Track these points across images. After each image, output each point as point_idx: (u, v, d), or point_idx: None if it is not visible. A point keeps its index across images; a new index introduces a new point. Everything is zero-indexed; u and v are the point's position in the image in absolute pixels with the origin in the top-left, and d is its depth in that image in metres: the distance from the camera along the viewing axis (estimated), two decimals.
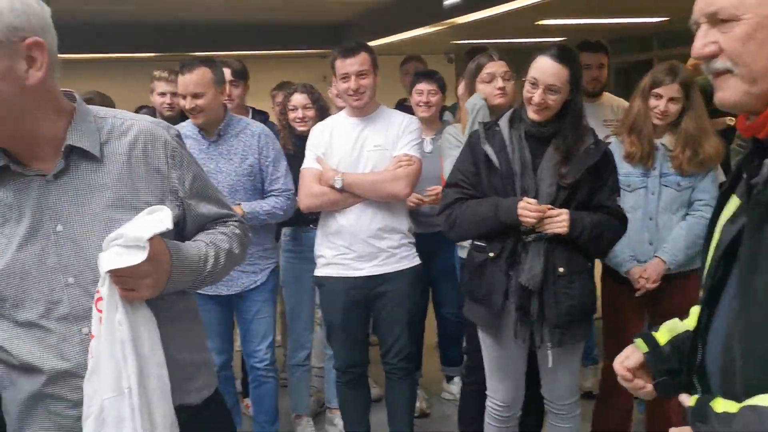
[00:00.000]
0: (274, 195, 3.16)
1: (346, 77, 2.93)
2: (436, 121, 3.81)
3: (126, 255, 1.33)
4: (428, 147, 3.56)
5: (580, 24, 7.79)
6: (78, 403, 1.38)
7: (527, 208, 2.38)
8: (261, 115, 4.08)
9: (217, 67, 3.10)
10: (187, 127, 3.12)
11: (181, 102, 3.12)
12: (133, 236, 1.33)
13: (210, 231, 1.60)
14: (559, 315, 2.44)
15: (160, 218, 1.39)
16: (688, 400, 1.18)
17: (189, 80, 3.03)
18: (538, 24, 7.57)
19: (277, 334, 4.96)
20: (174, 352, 1.46)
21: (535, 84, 2.42)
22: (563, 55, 2.43)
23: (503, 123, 2.52)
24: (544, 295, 2.44)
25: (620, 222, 2.54)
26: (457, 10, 6.24)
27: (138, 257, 1.32)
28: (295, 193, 3.19)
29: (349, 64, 2.92)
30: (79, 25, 7.26)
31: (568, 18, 7.46)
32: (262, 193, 3.17)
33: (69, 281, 1.39)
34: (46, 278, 1.39)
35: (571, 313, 2.45)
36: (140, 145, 1.49)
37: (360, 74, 2.92)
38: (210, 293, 3.07)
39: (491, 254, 2.48)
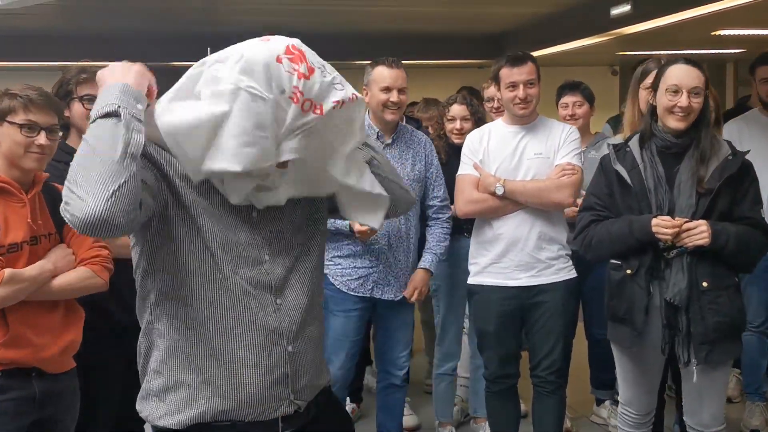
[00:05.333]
0: (435, 210, 3.17)
1: (513, 86, 2.94)
2: (587, 133, 3.68)
3: None
4: None
5: (760, 35, 7.24)
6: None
7: (660, 224, 2.36)
8: (414, 122, 4.11)
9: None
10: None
11: (382, 96, 2.98)
12: None
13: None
14: (707, 331, 2.38)
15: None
16: None
17: (399, 75, 3.00)
18: (714, 34, 7.12)
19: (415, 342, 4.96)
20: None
21: (677, 91, 2.39)
22: (692, 61, 2.45)
23: (633, 143, 2.52)
24: (690, 311, 2.38)
25: (765, 234, 2.45)
26: (625, 20, 6.00)
27: None
28: (450, 201, 3.20)
29: (517, 73, 2.92)
30: None
31: (748, 28, 6.96)
32: (422, 200, 3.16)
33: (265, 258, 1.63)
34: (248, 252, 1.60)
35: (719, 329, 2.39)
36: None
37: (528, 83, 2.93)
38: (360, 294, 3.05)
39: (628, 271, 2.47)
